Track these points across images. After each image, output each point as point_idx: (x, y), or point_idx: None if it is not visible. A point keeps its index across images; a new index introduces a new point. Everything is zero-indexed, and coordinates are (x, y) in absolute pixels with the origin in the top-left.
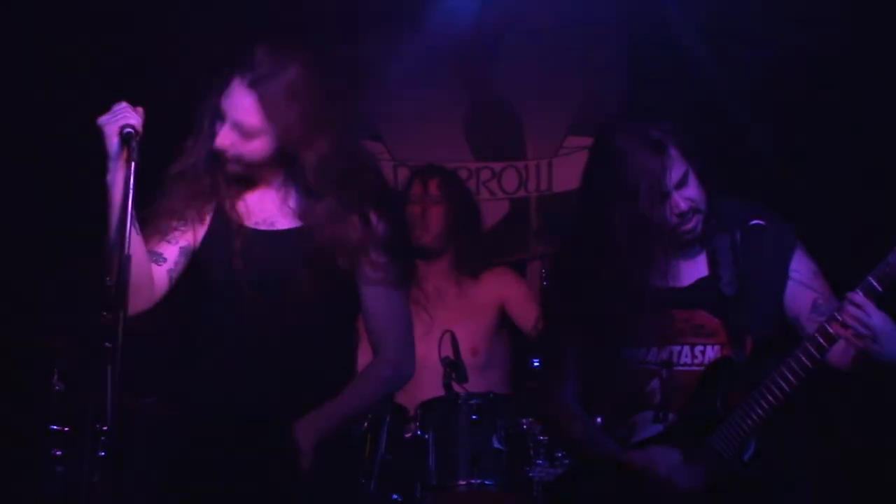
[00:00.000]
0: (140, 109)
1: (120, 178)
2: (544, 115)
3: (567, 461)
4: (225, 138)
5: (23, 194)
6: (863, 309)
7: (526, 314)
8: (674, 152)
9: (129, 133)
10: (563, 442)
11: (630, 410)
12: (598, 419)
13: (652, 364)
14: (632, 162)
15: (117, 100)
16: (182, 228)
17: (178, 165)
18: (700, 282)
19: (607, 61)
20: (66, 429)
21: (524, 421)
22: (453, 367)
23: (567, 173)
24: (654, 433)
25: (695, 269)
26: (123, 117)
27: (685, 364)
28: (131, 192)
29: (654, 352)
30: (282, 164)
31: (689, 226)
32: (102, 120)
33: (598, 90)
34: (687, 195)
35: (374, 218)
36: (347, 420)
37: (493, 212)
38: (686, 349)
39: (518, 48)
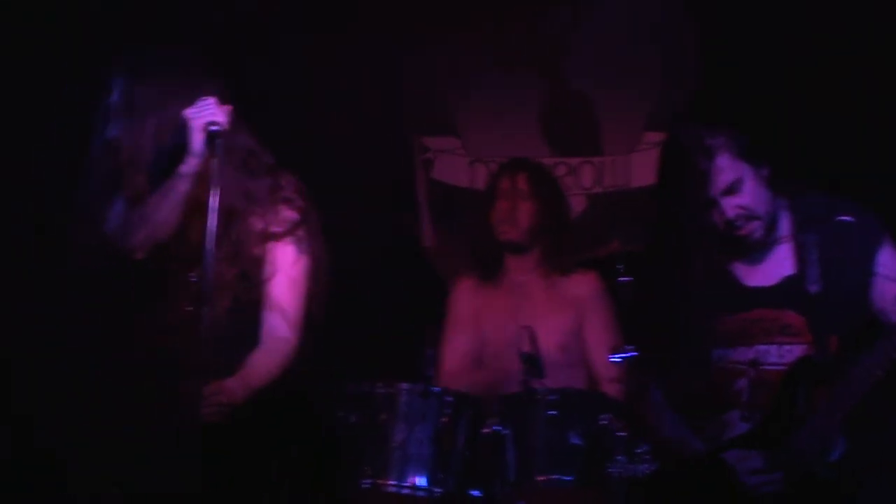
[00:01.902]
0: (228, 107)
1: (194, 172)
2: (622, 109)
3: (646, 457)
4: None
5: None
6: None
7: (595, 332)
8: (724, 160)
9: (215, 131)
10: (650, 439)
11: (719, 409)
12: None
13: (739, 363)
14: (683, 167)
15: None
16: None
17: None
18: (786, 280)
19: (683, 55)
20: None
21: (603, 417)
22: (531, 363)
23: (644, 169)
24: (742, 431)
25: (780, 267)
26: (211, 113)
27: (772, 363)
28: (215, 188)
29: (741, 351)
30: None
31: (743, 232)
32: (189, 113)
33: (675, 85)
34: (737, 203)
35: None
36: None
37: None
38: (773, 348)
39: (595, 41)
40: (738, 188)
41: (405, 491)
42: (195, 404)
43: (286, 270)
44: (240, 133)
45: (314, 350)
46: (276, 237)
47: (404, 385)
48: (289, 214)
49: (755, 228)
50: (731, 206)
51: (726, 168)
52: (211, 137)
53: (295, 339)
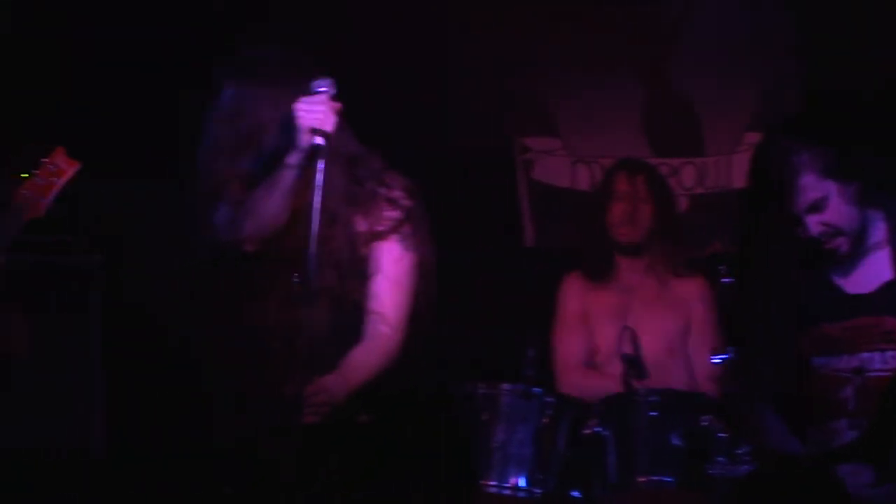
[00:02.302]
0: (338, 105)
1: (300, 164)
2: (723, 110)
3: (747, 458)
4: None
5: None
6: None
7: (699, 334)
8: (808, 179)
9: (318, 146)
10: (751, 441)
11: (825, 417)
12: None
13: (844, 371)
14: (769, 181)
15: None
16: None
17: None
18: (885, 286)
19: (785, 55)
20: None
21: (704, 418)
22: (633, 364)
23: (745, 170)
24: (850, 440)
25: (879, 274)
26: (320, 119)
27: (877, 370)
28: (317, 190)
29: (845, 359)
30: None
31: (830, 246)
32: (298, 108)
33: (777, 85)
34: (823, 220)
35: None
36: None
37: None
38: (877, 356)
39: (697, 40)
40: (823, 206)
41: (505, 491)
42: (297, 405)
43: (389, 269)
44: (345, 137)
45: (422, 349)
46: (380, 237)
47: (506, 386)
48: (393, 213)
49: (840, 244)
50: (814, 223)
51: (810, 186)
52: (314, 151)
53: (396, 337)
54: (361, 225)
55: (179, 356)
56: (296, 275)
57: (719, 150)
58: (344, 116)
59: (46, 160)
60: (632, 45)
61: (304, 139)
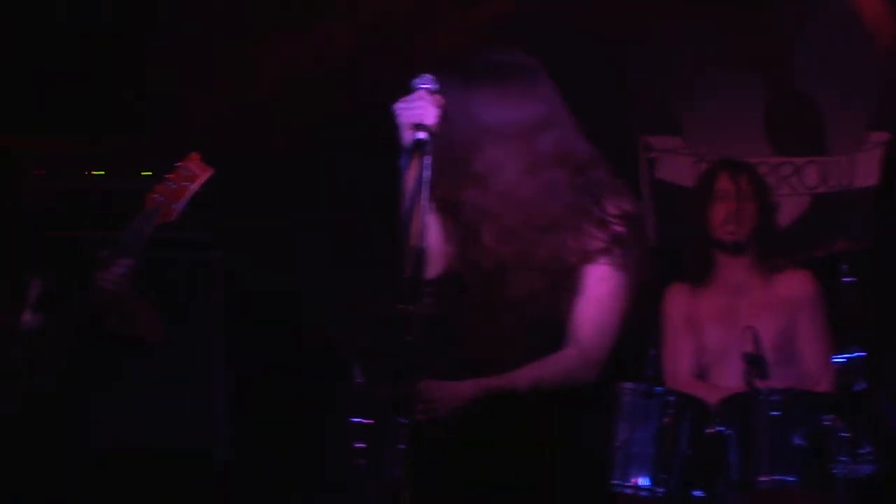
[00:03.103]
0: (438, 98)
1: (411, 166)
2: (846, 109)
3: (869, 458)
4: None
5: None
6: None
7: (809, 332)
8: None
9: (420, 140)
10: (877, 444)
11: None
12: None
13: None
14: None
15: None
16: None
17: None
18: None
19: None
20: (368, 421)
21: (826, 417)
22: (754, 363)
23: (868, 169)
24: None
25: None
26: (419, 114)
27: None
28: (424, 185)
29: None
30: None
31: None
32: (398, 107)
33: None
34: None
35: None
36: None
37: (793, 207)
38: None
39: (819, 40)
40: None
41: (628, 490)
42: (411, 403)
43: (592, 291)
44: (571, 137)
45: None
46: (590, 256)
47: (627, 385)
48: (606, 234)
49: None
50: None
51: None
52: (417, 145)
53: (584, 361)
54: (572, 240)
55: (303, 353)
56: (406, 271)
57: (843, 149)
58: (575, 115)
59: (179, 164)
60: (755, 46)
61: (407, 136)
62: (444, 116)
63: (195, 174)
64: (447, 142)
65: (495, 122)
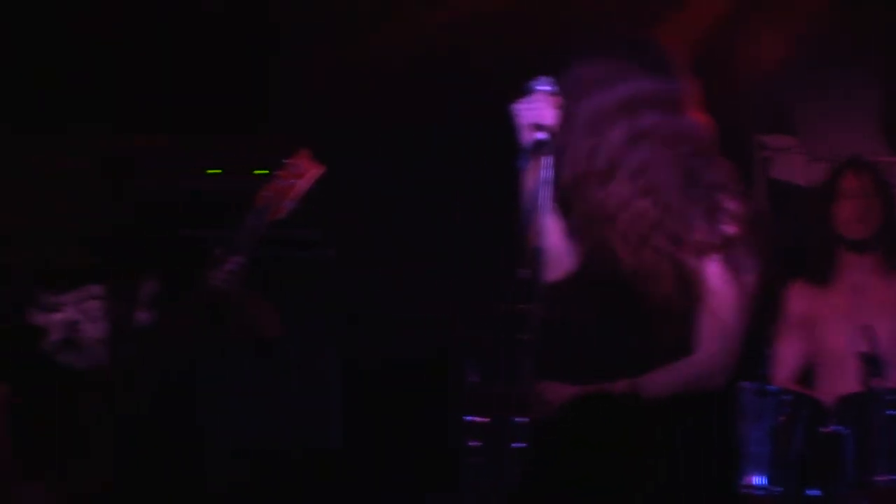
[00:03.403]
0: (557, 99)
1: (530, 166)
2: None
3: None
4: None
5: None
6: None
7: None
8: None
9: (540, 140)
10: None
11: None
12: None
13: None
14: None
15: None
16: None
17: None
18: None
19: None
20: (483, 420)
21: None
22: (871, 363)
23: None
24: None
25: None
26: (538, 114)
27: None
28: (544, 185)
29: None
30: None
31: None
32: (517, 108)
33: None
34: None
35: None
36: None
37: None
38: None
39: None
40: None
41: (743, 490)
42: (525, 403)
43: (716, 288)
44: (689, 125)
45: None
46: (709, 250)
47: (743, 384)
48: (729, 229)
49: None
50: None
51: None
52: (537, 146)
53: (706, 362)
54: (687, 235)
55: (417, 351)
56: (524, 271)
57: None
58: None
59: (289, 161)
60: (869, 43)
61: (527, 136)
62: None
63: (305, 171)
64: (569, 135)
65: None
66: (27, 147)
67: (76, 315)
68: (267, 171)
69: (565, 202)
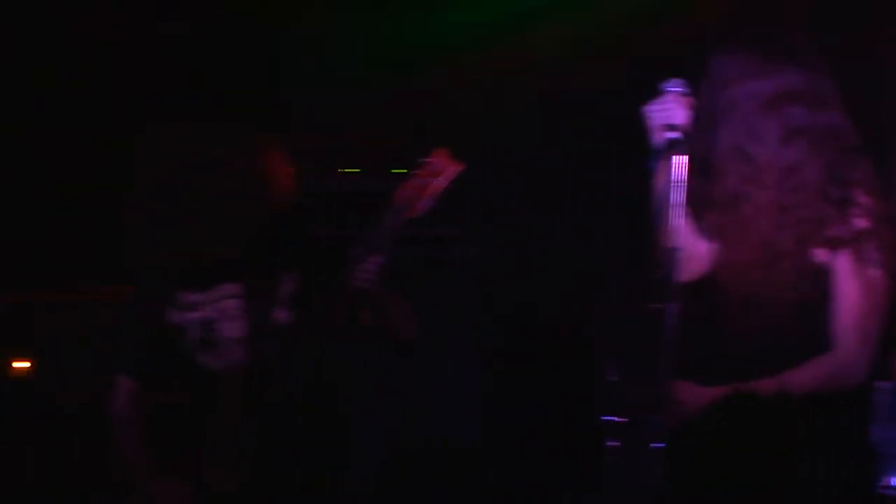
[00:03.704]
0: (688, 100)
1: (663, 168)
2: None
3: None
4: None
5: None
6: None
7: None
8: None
9: (673, 140)
10: None
11: None
12: None
13: None
14: None
15: None
16: None
17: None
18: None
19: None
20: (622, 420)
21: None
22: None
23: None
24: None
25: None
26: (669, 115)
27: None
28: (677, 185)
29: None
30: None
31: None
32: (650, 109)
33: None
34: None
35: None
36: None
37: None
38: None
39: None
40: None
41: (882, 491)
42: (662, 403)
43: (846, 285)
44: (829, 116)
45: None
46: (839, 244)
47: (880, 384)
48: (860, 223)
49: None
50: None
51: None
52: (670, 146)
53: (841, 361)
54: (826, 228)
55: (556, 350)
56: (659, 271)
57: None
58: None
59: (427, 160)
60: None
61: (659, 137)
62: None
63: (443, 170)
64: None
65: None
66: (172, 146)
67: (214, 314)
68: (405, 170)
69: (699, 201)
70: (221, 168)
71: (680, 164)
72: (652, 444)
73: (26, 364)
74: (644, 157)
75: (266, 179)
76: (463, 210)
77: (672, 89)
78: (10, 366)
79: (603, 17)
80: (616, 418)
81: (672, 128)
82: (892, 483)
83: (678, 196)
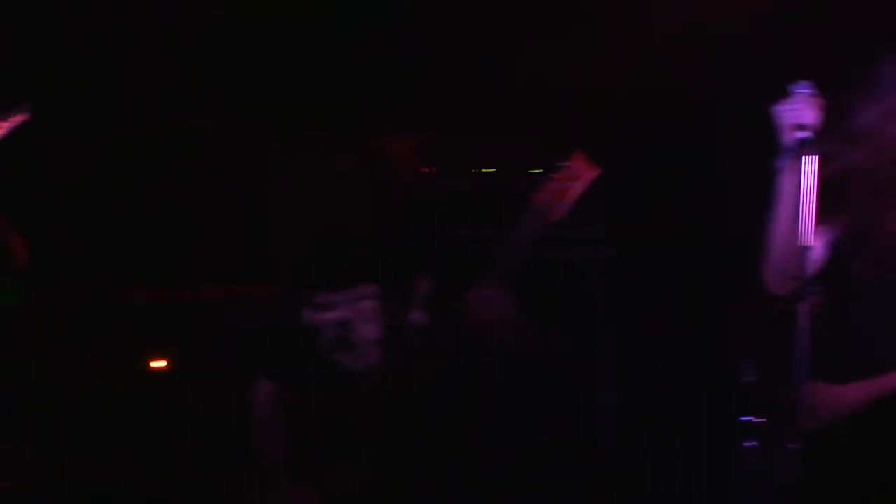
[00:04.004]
0: (817, 100)
1: (792, 166)
2: None
3: None
4: None
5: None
6: None
7: None
8: None
9: (803, 139)
10: None
11: None
12: None
13: None
14: None
15: None
16: None
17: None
18: None
19: None
20: (759, 420)
21: None
22: None
23: None
24: None
25: None
26: (799, 115)
27: None
28: (805, 186)
29: None
30: None
31: None
32: (780, 109)
33: None
34: None
35: None
36: None
37: None
38: None
39: None
40: None
41: None
42: (799, 405)
43: None
44: None
45: None
46: None
47: None
48: None
49: None
50: None
51: None
52: (800, 145)
53: None
54: None
55: (691, 350)
56: (792, 269)
57: None
58: None
59: (565, 164)
60: None
61: (789, 136)
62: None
63: (581, 173)
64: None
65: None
66: (307, 146)
67: (350, 314)
68: (541, 171)
69: (834, 200)
70: (356, 171)
71: (810, 162)
72: (789, 445)
73: (163, 363)
74: (774, 156)
75: (401, 181)
76: (597, 212)
77: (801, 90)
78: (149, 365)
79: (734, 16)
80: (753, 418)
81: (802, 127)
82: None
83: (809, 195)
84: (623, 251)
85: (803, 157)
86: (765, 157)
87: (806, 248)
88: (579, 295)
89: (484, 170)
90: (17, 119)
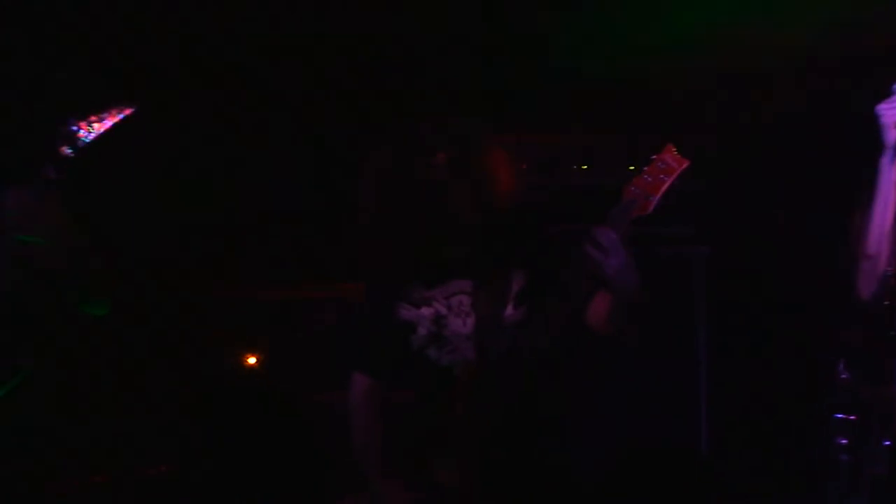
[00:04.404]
0: None
1: (890, 168)
2: None
3: None
4: None
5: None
6: None
7: None
8: None
9: None
10: None
11: None
12: None
13: None
14: None
15: None
16: None
17: None
18: None
19: None
20: (852, 418)
21: None
22: None
23: None
24: None
25: None
26: None
27: None
28: None
29: None
30: None
31: None
32: (881, 108)
33: None
34: None
35: None
36: None
37: None
38: None
39: None
40: None
41: None
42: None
43: None
44: None
45: None
46: None
47: None
48: None
49: None
50: None
51: None
52: None
53: None
54: None
55: (785, 347)
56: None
57: None
58: None
59: (656, 157)
60: None
61: (891, 135)
62: None
63: (672, 167)
64: None
65: None
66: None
67: (444, 310)
68: (633, 167)
69: None
70: (452, 167)
71: None
72: (883, 442)
73: (256, 359)
74: (877, 155)
75: (495, 178)
76: (695, 208)
77: None
78: (245, 361)
79: (838, 17)
80: (846, 416)
81: None
82: None
83: None
84: (720, 250)
85: None
86: (866, 156)
87: None
88: (673, 293)
89: (580, 166)
90: (123, 113)
